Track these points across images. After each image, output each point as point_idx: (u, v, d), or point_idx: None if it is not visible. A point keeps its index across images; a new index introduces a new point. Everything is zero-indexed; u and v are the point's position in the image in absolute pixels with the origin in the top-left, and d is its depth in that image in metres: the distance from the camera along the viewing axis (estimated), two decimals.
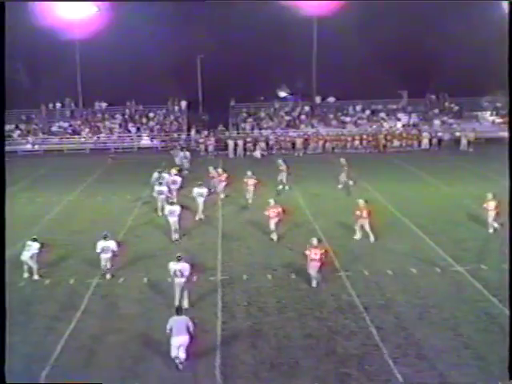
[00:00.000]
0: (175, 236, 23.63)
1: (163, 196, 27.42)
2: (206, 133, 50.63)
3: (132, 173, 38.88)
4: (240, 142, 48.61)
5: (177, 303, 16.64)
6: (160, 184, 28.43)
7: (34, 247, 19.66)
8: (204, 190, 26.98)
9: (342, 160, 33.93)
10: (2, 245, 12.98)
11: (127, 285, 19.14)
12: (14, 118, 54.47)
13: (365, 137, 49.57)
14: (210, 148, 48.53)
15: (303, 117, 55.13)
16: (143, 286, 18.38)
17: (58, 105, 56.96)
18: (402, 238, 23.22)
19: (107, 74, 50.02)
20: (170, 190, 28.63)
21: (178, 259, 17.20)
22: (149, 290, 18.53)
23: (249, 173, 29.92)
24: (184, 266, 17.09)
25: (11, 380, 12.17)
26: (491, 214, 23.42)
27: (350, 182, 33.00)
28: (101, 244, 19.56)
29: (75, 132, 54.11)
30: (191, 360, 13.99)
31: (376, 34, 48.95)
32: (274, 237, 23.20)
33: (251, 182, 29.40)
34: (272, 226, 23.28)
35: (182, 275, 17.02)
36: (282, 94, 60.90)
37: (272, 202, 23.74)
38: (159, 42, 48.95)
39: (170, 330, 14.19)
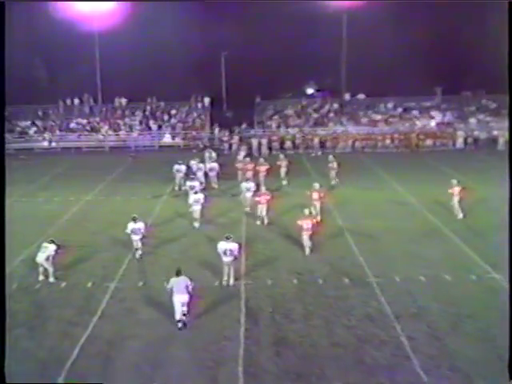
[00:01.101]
0: (196, 224, 25.54)
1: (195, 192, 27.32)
2: (229, 131, 50.75)
3: (153, 172, 39.07)
4: (264, 141, 48.58)
5: (225, 279, 19.14)
6: (192, 179, 29.81)
7: (50, 249, 19.74)
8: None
9: (331, 157, 35.00)
10: (2, 244, 12.99)
11: (146, 288, 19.18)
12: (30, 114, 55.06)
13: (396, 136, 49.38)
14: (234, 147, 48.40)
15: (332, 114, 54.93)
16: (163, 289, 18.35)
17: (77, 101, 57.39)
18: (436, 243, 22.96)
19: (128, 68, 50.35)
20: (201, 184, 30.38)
21: (228, 238, 19.10)
22: (167, 295, 18.45)
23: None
24: (234, 246, 19.07)
25: (11, 380, 12.34)
26: (456, 200, 26.06)
27: (333, 182, 33.53)
28: (131, 226, 21.57)
29: (94, 129, 54.55)
30: (212, 368, 13.93)
31: (409, 27, 48.62)
32: (307, 251, 22.16)
33: (316, 194, 26.71)
34: (305, 241, 22.17)
35: (232, 254, 18.97)
36: (310, 90, 60.76)
37: (307, 211, 22.92)
38: (182, 36, 49.12)
39: (171, 289, 16.38)
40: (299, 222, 21.80)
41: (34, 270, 19.86)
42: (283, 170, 34.76)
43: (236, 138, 49.45)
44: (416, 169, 39.13)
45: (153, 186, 34.67)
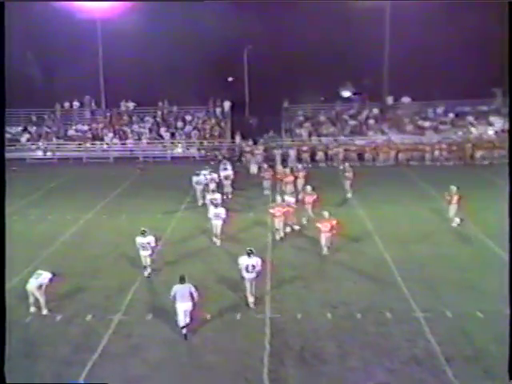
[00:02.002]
0: (217, 240, 26.55)
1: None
2: (253, 140, 50.89)
3: (164, 186, 39.35)
4: (292, 152, 48.53)
5: (250, 299, 19.92)
6: (213, 192, 30.55)
7: (44, 276, 19.72)
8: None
9: (347, 166, 37.17)
10: (2, 244, 13.34)
11: (156, 322, 19.11)
12: (22, 119, 55.62)
13: (447, 146, 48.92)
14: (259, 158, 48.10)
15: (371, 121, 54.89)
16: (174, 325, 18.28)
17: (76, 104, 58.02)
18: (494, 273, 22.51)
19: (135, 67, 50.76)
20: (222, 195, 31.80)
21: (250, 254, 19.83)
22: (180, 331, 18.39)
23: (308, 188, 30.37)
24: (257, 261, 19.84)
25: (11, 380, 12.69)
26: (454, 208, 28.67)
27: (348, 195, 35.17)
28: (139, 240, 22.47)
29: (96, 137, 55.11)
30: None
31: (461, 21, 48.37)
32: (324, 250, 24.88)
33: (309, 198, 29.63)
34: (323, 241, 24.87)
35: (254, 270, 19.75)
36: (346, 93, 60.69)
37: (326, 214, 24.93)
38: (198, 31, 49.39)
39: (174, 297, 17.70)
40: (318, 225, 24.86)
41: (24, 301, 19.85)
42: (300, 182, 35.40)
43: (261, 149, 49.44)
44: (471, 185, 38.61)
45: (165, 202, 34.97)
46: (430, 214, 31.29)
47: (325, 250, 24.84)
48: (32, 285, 19.62)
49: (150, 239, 22.56)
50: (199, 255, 25.38)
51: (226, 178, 36.40)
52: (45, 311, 19.76)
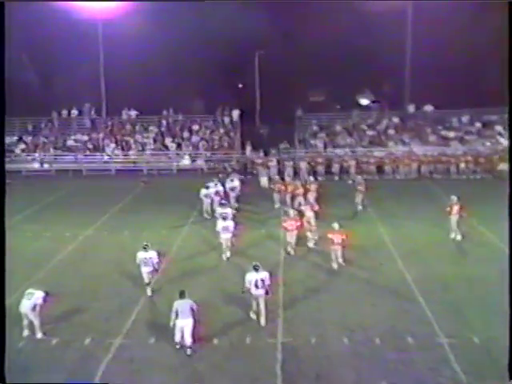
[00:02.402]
0: (227, 255, 27.00)
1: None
2: (263, 152, 50.89)
3: (170, 201, 39.49)
4: (303, 164, 48.42)
5: (261, 320, 20.11)
6: (222, 205, 31.15)
7: (36, 296, 19.66)
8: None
9: (359, 178, 38.16)
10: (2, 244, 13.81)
11: (159, 347, 19.05)
12: (17, 128, 55.71)
13: (473, 158, 48.67)
14: (271, 170, 47.95)
15: (391, 131, 54.81)
16: (179, 349, 18.23)
17: (75, 112, 58.17)
18: None
19: (139, 73, 50.84)
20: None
21: (257, 268, 20.25)
22: (185, 356, 18.37)
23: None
24: (266, 276, 20.27)
25: (11, 380, 13.25)
26: (454, 219, 29.55)
27: (359, 207, 35.67)
28: (141, 255, 22.70)
29: (97, 148, 55.26)
30: None
31: (488, 22, 48.25)
32: (335, 265, 25.56)
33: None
34: (334, 254, 25.61)
35: (263, 285, 20.03)
36: (364, 101, 60.81)
37: (336, 226, 25.71)
38: (206, 34, 49.48)
39: (176, 313, 18.30)
40: (330, 236, 25.54)
41: (17, 324, 19.74)
42: (311, 195, 35.53)
43: (273, 161, 49.35)
44: (498, 200, 38.31)
45: (170, 217, 35.13)
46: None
47: (335, 266, 25.45)
48: (25, 306, 19.55)
49: (152, 254, 22.77)
50: (207, 273, 25.46)
51: (232, 189, 36.92)
52: (39, 335, 19.71)
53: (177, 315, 18.38)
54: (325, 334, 19.66)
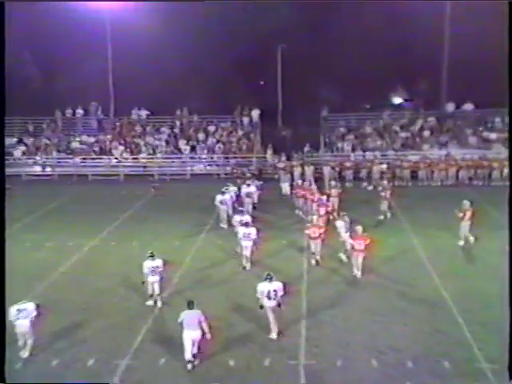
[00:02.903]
0: (246, 265, 27.52)
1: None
2: (286, 155, 50.87)
3: (183, 209, 39.62)
4: (326, 170, 48.27)
5: (273, 332, 20.54)
6: (240, 212, 31.30)
7: (29, 310, 19.53)
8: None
9: (385, 183, 38.18)
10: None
11: (169, 369, 18.96)
12: (16, 129, 55.85)
13: None
14: (296, 176, 47.55)
15: (427, 133, 54.54)
16: (191, 371, 18.22)
17: (80, 111, 58.32)
18: None
19: (150, 70, 50.86)
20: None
21: (270, 278, 20.53)
22: (199, 379, 18.34)
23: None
24: (278, 286, 20.58)
25: (11, 380, 13.82)
26: (466, 225, 30.44)
27: (381, 217, 35.68)
28: (148, 264, 22.95)
29: (104, 150, 55.46)
30: None
31: None
32: (358, 273, 26.14)
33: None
34: (356, 261, 26.13)
35: (276, 296, 20.40)
36: (397, 99, 60.61)
37: (360, 229, 26.35)
38: (223, 27, 49.45)
39: (181, 323, 18.66)
40: (351, 241, 26.47)
41: (13, 344, 19.48)
42: (333, 201, 36.13)
43: (297, 165, 49.11)
44: None
45: (183, 226, 35.27)
46: (496, 244, 30.71)
47: (358, 273, 26.00)
48: (23, 326, 19.43)
49: (159, 263, 23.08)
50: (223, 287, 25.48)
51: (248, 195, 37.14)
52: (26, 354, 19.58)
53: (183, 326, 18.68)
54: (352, 356, 19.50)
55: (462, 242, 30.36)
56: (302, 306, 23.08)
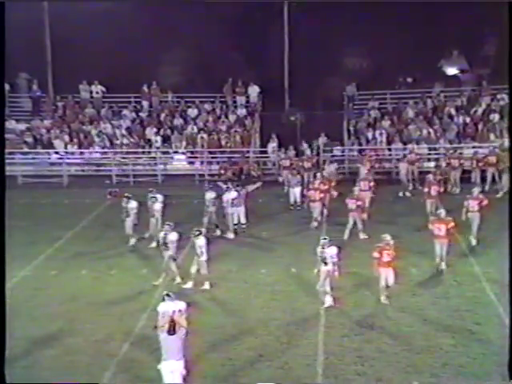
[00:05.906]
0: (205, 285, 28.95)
1: None
2: (294, 149, 50.44)
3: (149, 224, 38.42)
4: (363, 169, 47.40)
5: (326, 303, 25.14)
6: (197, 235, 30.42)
7: None
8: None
9: (430, 177, 39.95)
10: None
11: None
12: None
13: None
14: (308, 176, 46.51)
15: (495, 116, 53.77)
16: None
17: (5, 86, 57.45)
18: None
19: (105, 30, 50.31)
20: None
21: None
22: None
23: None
24: (334, 251, 25.55)
25: (11, 380, 16.93)
26: (477, 217, 33.56)
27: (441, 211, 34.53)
28: (164, 308, 21.81)
29: (40, 142, 55.19)
30: None
31: None
32: (385, 300, 26.89)
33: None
34: (383, 282, 26.92)
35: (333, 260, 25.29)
36: (451, 69, 59.88)
37: (388, 237, 27.31)
38: None
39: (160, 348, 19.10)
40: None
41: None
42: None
43: (313, 161, 48.55)
44: None
45: (151, 248, 34.41)
46: None
47: (385, 300, 26.92)
48: None
49: (182, 306, 22.13)
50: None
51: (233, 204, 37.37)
52: None
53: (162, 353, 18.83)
54: None
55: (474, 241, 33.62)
56: (318, 323, 23.79)
